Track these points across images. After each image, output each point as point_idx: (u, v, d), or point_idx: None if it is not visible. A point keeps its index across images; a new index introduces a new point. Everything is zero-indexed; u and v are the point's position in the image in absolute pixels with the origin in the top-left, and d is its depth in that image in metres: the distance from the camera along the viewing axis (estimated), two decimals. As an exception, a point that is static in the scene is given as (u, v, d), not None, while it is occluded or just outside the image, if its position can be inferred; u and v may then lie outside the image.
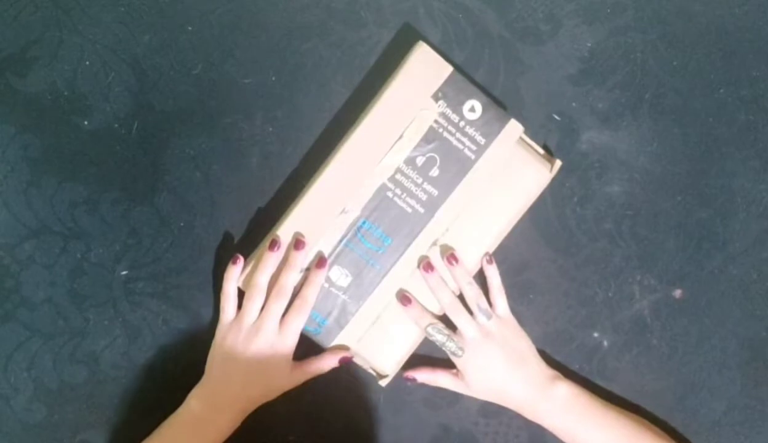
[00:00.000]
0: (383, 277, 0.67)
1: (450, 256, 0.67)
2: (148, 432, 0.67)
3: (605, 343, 0.72)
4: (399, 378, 0.70)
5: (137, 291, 0.71)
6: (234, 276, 0.67)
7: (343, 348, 0.68)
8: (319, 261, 0.66)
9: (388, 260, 0.67)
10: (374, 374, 0.70)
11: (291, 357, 0.67)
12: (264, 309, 0.66)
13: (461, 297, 0.68)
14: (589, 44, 0.72)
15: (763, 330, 0.72)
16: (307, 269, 0.67)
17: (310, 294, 0.66)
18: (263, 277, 0.66)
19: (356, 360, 0.69)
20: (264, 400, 0.67)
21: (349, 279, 0.67)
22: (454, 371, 0.69)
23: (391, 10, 0.72)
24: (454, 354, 0.67)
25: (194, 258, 0.72)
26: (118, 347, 0.71)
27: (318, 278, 0.66)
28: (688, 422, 0.72)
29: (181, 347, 0.72)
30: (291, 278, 0.66)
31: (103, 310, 0.71)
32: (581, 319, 0.72)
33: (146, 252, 0.71)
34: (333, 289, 0.67)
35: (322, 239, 0.67)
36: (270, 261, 0.66)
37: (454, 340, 0.67)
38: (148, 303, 0.71)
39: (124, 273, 0.71)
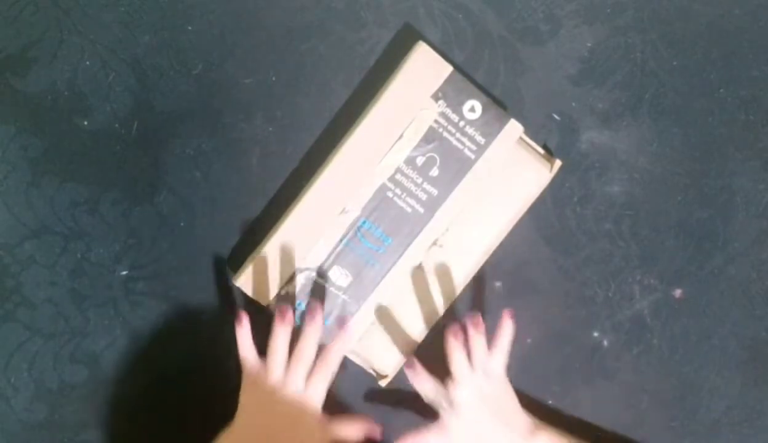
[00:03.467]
0: (383, 277, 0.68)
1: (476, 322, 0.66)
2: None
3: (605, 343, 0.72)
4: (399, 378, 0.70)
5: (137, 291, 0.71)
6: (245, 339, 0.66)
7: (375, 428, 0.68)
8: (340, 322, 0.67)
9: (388, 260, 0.67)
10: (374, 374, 0.70)
11: (318, 417, 0.66)
12: (289, 370, 0.65)
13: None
14: (589, 44, 0.73)
15: (763, 330, 0.73)
16: (315, 270, 0.67)
17: (334, 357, 0.66)
18: (280, 345, 0.65)
19: (356, 360, 0.69)
20: None
21: (349, 279, 0.67)
22: (437, 426, 0.67)
23: (391, 10, 0.72)
24: (444, 408, 0.66)
25: (194, 258, 0.72)
26: (118, 347, 0.71)
27: (341, 342, 0.66)
28: (688, 422, 0.72)
29: (181, 347, 0.72)
30: (311, 344, 0.65)
31: (103, 310, 0.71)
32: (581, 319, 0.72)
33: (146, 252, 0.71)
34: (333, 289, 0.68)
35: (322, 239, 0.67)
36: (280, 333, 0.65)
37: (447, 398, 0.66)
38: (148, 303, 0.71)
39: (124, 273, 0.71)
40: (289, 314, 0.66)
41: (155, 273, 0.71)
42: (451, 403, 0.65)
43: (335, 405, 0.72)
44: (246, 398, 0.66)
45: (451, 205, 0.67)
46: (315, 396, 0.65)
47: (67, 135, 0.71)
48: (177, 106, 0.72)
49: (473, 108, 0.67)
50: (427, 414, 0.72)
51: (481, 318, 0.66)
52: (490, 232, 0.69)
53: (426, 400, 0.67)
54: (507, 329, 0.67)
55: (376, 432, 0.67)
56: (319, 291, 0.68)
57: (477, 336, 0.66)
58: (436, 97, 0.67)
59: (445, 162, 0.67)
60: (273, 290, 0.67)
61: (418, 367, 0.67)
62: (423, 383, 0.67)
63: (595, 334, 0.72)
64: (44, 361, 0.71)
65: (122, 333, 0.71)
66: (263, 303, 0.67)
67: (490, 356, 0.66)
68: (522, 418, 0.68)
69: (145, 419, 0.69)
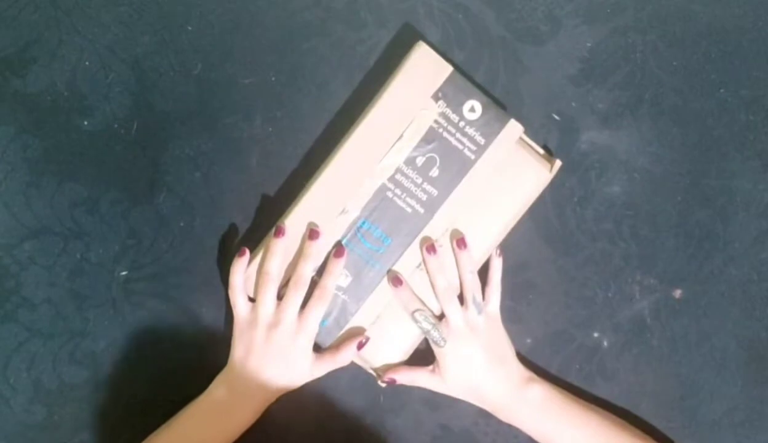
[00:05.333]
0: (383, 277, 0.67)
1: (459, 241, 0.66)
2: (149, 431, 0.67)
3: (605, 343, 0.72)
4: (399, 378, 0.70)
5: (137, 291, 0.71)
6: (240, 268, 0.67)
7: (358, 331, 0.68)
8: (338, 251, 0.66)
9: (388, 260, 0.67)
10: (374, 374, 0.70)
11: (312, 347, 0.66)
12: (282, 301, 0.65)
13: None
14: (589, 44, 0.73)
15: (763, 331, 0.73)
16: (316, 272, 0.67)
17: (330, 283, 0.66)
18: (273, 265, 0.66)
19: (356, 360, 0.69)
20: (286, 390, 0.67)
21: (349, 279, 0.67)
22: (431, 367, 0.68)
23: (391, 10, 0.72)
24: (436, 343, 0.66)
25: (194, 258, 0.71)
26: (118, 347, 0.71)
27: (337, 267, 0.66)
28: (688, 422, 0.72)
29: (181, 347, 0.72)
30: (308, 268, 0.66)
31: (103, 310, 0.71)
32: (581, 319, 0.72)
33: (146, 252, 0.71)
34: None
35: (322, 239, 0.67)
36: (278, 248, 0.66)
37: (438, 329, 0.66)
38: (148, 303, 0.71)
39: (124, 273, 0.71)
40: (285, 230, 0.66)
41: (155, 273, 0.71)
42: (442, 336, 0.66)
43: (335, 405, 0.72)
44: (237, 339, 0.67)
45: (451, 205, 0.67)
46: (308, 327, 0.66)
47: (66, 135, 0.71)
48: (177, 106, 0.72)
49: (473, 108, 0.67)
50: (428, 411, 0.72)
51: (465, 238, 0.67)
52: (490, 232, 0.69)
53: (416, 325, 0.67)
54: (497, 266, 0.68)
55: (362, 340, 0.67)
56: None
57: (462, 255, 0.66)
58: (436, 97, 0.67)
59: (445, 162, 0.67)
60: (273, 290, 0.67)
61: (405, 284, 0.67)
62: (408, 302, 0.67)
63: (595, 334, 0.72)
64: (43, 362, 0.71)
65: (122, 334, 0.71)
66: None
67: (485, 295, 0.68)
68: (516, 365, 0.68)
69: (145, 419, 0.69)
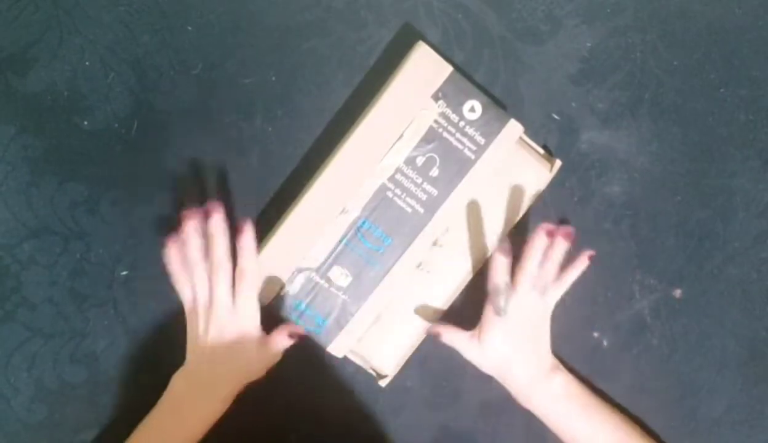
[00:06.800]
0: (383, 277, 0.68)
1: (568, 234, 0.66)
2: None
3: (605, 343, 0.72)
4: (399, 378, 0.70)
5: (137, 291, 0.71)
6: (172, 258, 0.65)
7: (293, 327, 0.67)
8: (240, 226, 0.64)
9: (388, 260, 0.67)
10: (374, 374, 0.70)
11: (256, 330, 0.65)
12: (210, 289, 0.65)
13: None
14: (589, 44, 0.72)
15: (763, 330, 0.73)
16: (315, 270, 0.67)
17: (245, 263, 0.64)
18: (192, 252, 0.64)
19: (356, 360, 0.69)
20: (246, 381, 0.66)
21: (349, 279, 0.67)
22: (472, 332, 0.67)
23: (391, 10, 0.72)
24: (497, 311, 0.65)
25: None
26: (118, 347, 0.71)
27: (245, 243, 0.64)
28: (688, 421, 0.72)
29: (181, 347, 0.72)
30: (220, 247, 0.64)
31: (103, 310, 0.71)
32: (581, 319, 0.72)
33: (146, 252, 0.71)
34: (333, 289, 0.68)
35: (322, 239, 0.67)
36: (189, 232, 0.64)
37: (508, 301, 0.65)
38: (148, 303, 0.71)
39: (124, 273, 0.71)
40: (191, 221, 0.64)
41: (155, 273, 0.71)
42: (505, 308, 0.65)
43: (335, 405, 0.72)
44: (189, 335, 0.66)
45: (451, 205, 0.67)
46: (246, 310, 0.65)
47: (67, 135, 0.71)
48: (177, 106, 0.72)
49: (473, 108, 0.67)
50: (428, 411, 0.72)
51: (572, 233, 0.66)
52: (490, 232, 0.69)
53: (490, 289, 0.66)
54: (580, 268, 0.68)
55: (294, 331, 0.66)
56: (319, 290, 0.68)
57: (561, 248, 0.66)
58: (436, 97, 0.67)
59: (445, 162, 0.67)
60: (273, 290, 0.67)
61: (442, 329, 0.67)
62: (504, 273, 0.65)
63: (595, 334, 0.72)
64: (44, 361, 0.71)
65: (122, 333, 0.71)
66: (263, 303, 0.67)
67: (554, 283, 0.67)
68: (547, 351, 0.68)
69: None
